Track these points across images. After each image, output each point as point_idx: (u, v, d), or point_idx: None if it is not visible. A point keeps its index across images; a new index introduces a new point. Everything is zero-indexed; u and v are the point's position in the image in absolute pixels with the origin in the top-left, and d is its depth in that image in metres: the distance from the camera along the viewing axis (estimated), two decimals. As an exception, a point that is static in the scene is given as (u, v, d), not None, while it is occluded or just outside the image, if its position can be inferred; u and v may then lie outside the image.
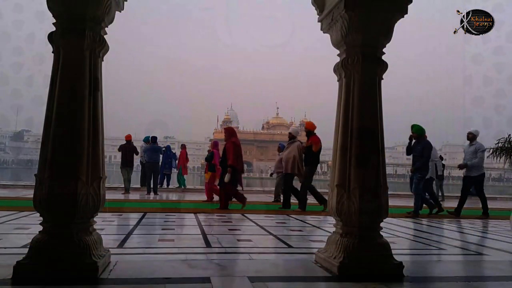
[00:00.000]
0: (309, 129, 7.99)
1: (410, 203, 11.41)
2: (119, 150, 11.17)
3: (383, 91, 3.02)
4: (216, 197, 8.49)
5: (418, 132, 7.56)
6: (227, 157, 7.46)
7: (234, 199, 7.68)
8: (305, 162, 7.82)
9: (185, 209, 7.46)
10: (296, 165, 7.86)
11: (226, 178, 7.32)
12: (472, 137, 7.93)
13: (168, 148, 13.62)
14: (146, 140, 11.94)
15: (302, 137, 8.80)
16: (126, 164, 11.01)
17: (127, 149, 11.03)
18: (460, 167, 8.13)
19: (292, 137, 8.31)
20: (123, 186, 11.13)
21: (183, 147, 13.43)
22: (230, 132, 7.88)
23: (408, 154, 7.82)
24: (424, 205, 7.83)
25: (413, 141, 7.60)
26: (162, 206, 8.29)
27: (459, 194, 16.34)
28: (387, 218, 3.01)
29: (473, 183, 7.97)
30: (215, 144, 9.63)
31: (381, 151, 2.94)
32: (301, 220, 6.31)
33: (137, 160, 11.90)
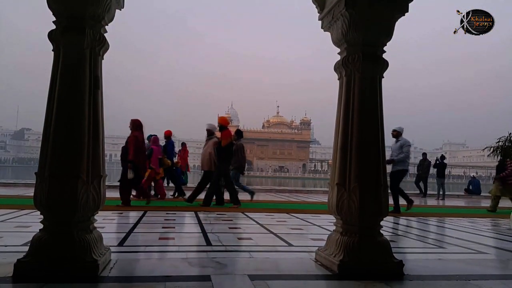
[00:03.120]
0: (222, 124, 7.86)
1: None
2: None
3: (384, 90, 3.01)
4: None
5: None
6: (128, 152, 7.15)
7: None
8: (217, 158, 7.68)
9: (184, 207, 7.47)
10: (212, 162, 7.79)
11: (129, 175, 7.04)
12: (396, 134, 7.98)
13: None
14: (149, 138, 12.01)
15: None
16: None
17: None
18: (387, 162, 8.13)
19: (210, 134, 8.21)
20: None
21: (183, 145, 13.48)
22: (134, 125, 7.39)
23: None
24: None
25: None
26: (163, 205, 8.30)
27: (461, 193, 16.30)
28: (387, 217, 3.01)
29: (397, 177, 7.91)
30: (154, 140, 9.22)
31: (381, 149, 2.94)
32: (301, 219, 6.32)
33: None
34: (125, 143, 7.52)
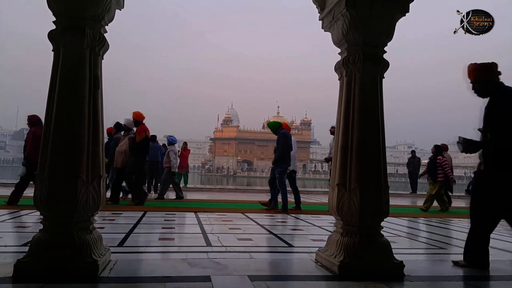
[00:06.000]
0: (136, 119, 7.69)
1: (413, 202, 11.42)
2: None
3: (384, 90, 3.01)
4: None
5: (273, 128, 7.47)
6: (26, 148, 6.75)
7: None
8: (131, 154, 7.54)
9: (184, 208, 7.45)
10: (127, 158, 7.65)
11: (20, 172, 6.62)
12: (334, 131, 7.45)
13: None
14: (154, 140, 11.86)
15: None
16: None
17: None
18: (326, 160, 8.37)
19: (127, 129, 8.06)
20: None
21: (185, 145, 13.52)
22: (32, 121, 6.92)
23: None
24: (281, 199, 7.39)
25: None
26: (162, 205, 8.29)
27: (462, 194, 16.34)
28: (387, 217, 3.01)
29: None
30: None
31: (382, 150, 2.93)
32: (301, 219, 6.31)
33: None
34: (24, 140, 7.10)
